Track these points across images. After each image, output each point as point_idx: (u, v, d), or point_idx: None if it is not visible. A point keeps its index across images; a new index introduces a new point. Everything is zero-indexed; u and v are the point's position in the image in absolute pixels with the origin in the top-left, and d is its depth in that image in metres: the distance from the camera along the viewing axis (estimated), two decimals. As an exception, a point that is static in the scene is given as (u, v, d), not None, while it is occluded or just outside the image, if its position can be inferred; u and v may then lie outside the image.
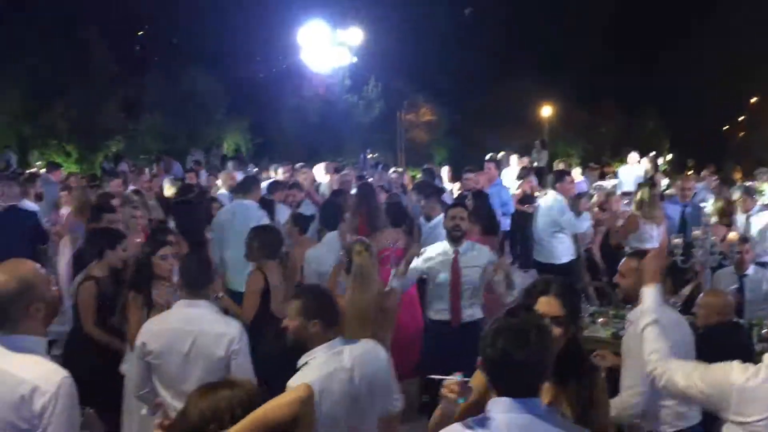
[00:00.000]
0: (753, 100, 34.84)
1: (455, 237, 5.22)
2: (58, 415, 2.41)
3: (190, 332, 3.51)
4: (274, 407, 2.74)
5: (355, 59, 26.61)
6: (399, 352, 6.30)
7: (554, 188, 7.96)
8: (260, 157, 22.50)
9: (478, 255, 5.28)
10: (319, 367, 3.03)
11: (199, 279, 3.70)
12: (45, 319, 2.61)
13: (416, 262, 5.27)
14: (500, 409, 2.21)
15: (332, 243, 5.85)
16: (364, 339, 3.37)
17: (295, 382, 3.00)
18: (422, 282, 6.27)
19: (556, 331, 2.59)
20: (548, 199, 7.92)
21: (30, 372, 2.45)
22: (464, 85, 30.17)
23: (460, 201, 6.29)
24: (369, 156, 20.99)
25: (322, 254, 5.77)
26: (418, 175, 13.67)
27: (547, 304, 2.67)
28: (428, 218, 7.39)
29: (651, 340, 2.84)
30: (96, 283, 4.64)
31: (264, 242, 5.18)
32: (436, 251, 5.36)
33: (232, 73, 28.05)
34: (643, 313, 2.99)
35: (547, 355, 2.25)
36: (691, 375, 2.61)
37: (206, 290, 3.73)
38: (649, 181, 9.26)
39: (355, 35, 25.57)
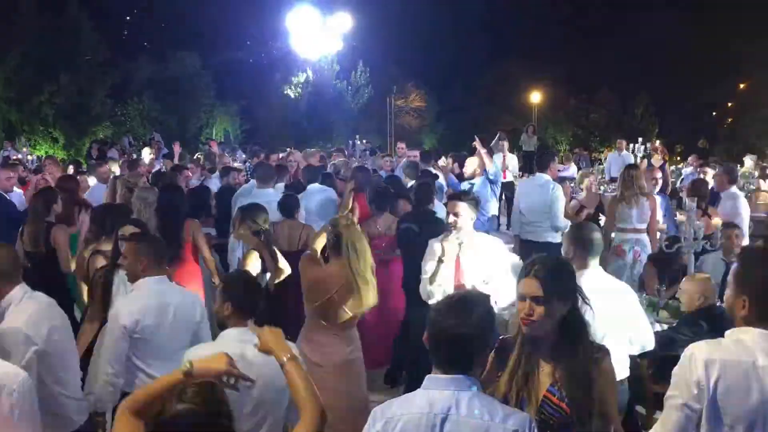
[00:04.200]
0: (741, 86, 34.99)
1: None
2: (26, 413, 2.40)
3: (169, 303, 3.78)
4: None
5: (342, 45, 26.53)
6: (377, 340, 6.34)
7: (544, 171, 7.98)
8: (249, 143, 22.44)
9: (484, 247, 4.94)
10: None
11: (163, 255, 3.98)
12: None
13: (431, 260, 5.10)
14: (429, 385, 2.28)
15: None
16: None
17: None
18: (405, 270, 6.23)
19: (538, 309, 2.64)
20: (541, 181, 7.93)
21: None
22: (454, 71, 30.17)
23: (457, 193, 6.11)
24: (359, 142, 20.93)
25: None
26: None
27: (527, 285, 2.71)
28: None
29: None
30: (104, 258, 4.74)
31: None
32: (441, 243, 5.15)
33: (220, 58, 27.96)
34: None
35: (481, 331, 2.29)
36: None
37: (166, 266, 4.04)
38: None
39: (343, 21, 25.46)
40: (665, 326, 5.19)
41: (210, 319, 4.06)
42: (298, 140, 22.12)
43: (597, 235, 3.97)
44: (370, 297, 4.35)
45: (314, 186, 7.90)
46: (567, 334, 2.69)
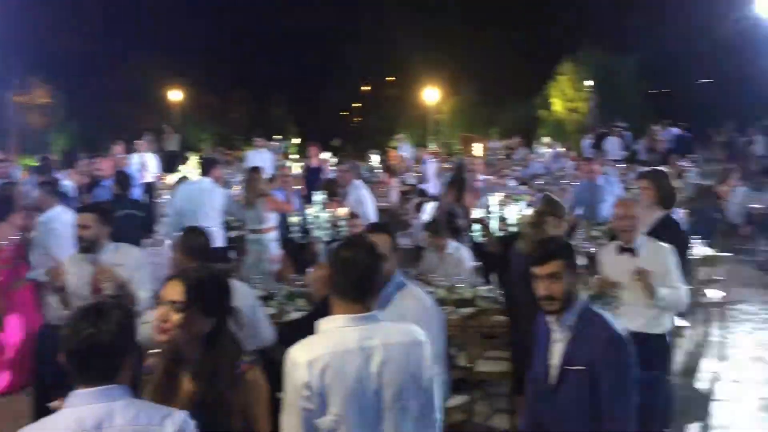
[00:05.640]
0: (366, 88, 38.79)
1: (83, 248, 4.60)
2: None
3: None
4: None
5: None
6: (10, 362, 5.68)
7: (208, 174, 7.88)
8: None
9: (124, 257, 4.53)
10: None
11: None
12: None
13: None
14: (75, 402, 2.13)
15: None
16: None
17: None
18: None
19: (176, 317, 2.55)
20: (204, 185, 7.79)
21: None
22: (87, 65, 28.10)
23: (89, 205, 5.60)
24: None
25: None
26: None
27: (169, 288, 2.59)
28: (41, 211, 6.77)
29: None
30: None
31: None
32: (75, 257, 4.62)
33: None
34: None
35: (122, 337, 2.19)
36: None
37: None
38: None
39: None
40: (305, 313, 5.46)
41: None
42: None
43: (205, 241, 4.08)
44: None
45: None
46: (210, 352, 2.62)
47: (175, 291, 2.58)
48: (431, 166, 13.65)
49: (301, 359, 2.47)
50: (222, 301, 2.70)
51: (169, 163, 15.01)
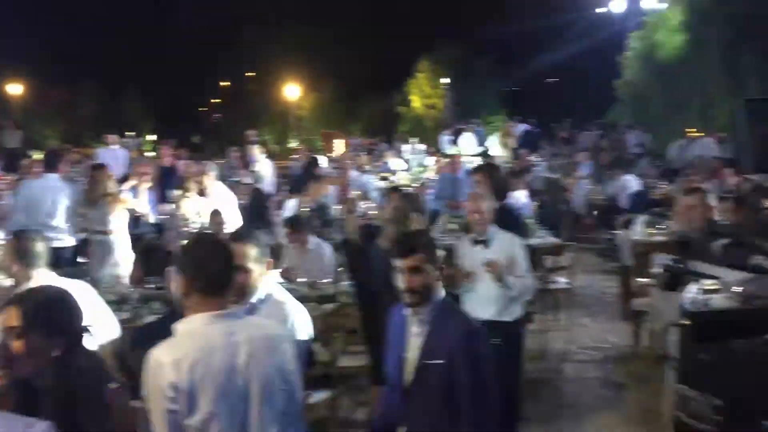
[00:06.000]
0: (224, 84, 37.91)
1: None
2: None
3: None
4: None
5: None
6: None
7: (53, 170, 7.36)
8: None
9: None
10: None
11: None
12: None
13: None
14: None
15: None
16: None
17: None
18: None
19: (17, 344, 2.36)
20: (50, 183, 7.28)
21: None
22: None
23: None
24: None
25: None
26: None
27: (7, 315, 2.39)
28: None
29: None
30: None
31: None
32: None
33: None
34: None
35: None
36: None
37: None
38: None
39: None
40: (160, 315, 5.27)
41: None
42: None
43: (37, 245, 3.83)
44: None
45: None
46: (64, 378, 2.44)
47: (13, 317, 2.41)
48: (264, 165, 13.49)
49: (166, 359, 2.39)
50: (69, 321, 2.52)
51: (10, 162, 13.99)
